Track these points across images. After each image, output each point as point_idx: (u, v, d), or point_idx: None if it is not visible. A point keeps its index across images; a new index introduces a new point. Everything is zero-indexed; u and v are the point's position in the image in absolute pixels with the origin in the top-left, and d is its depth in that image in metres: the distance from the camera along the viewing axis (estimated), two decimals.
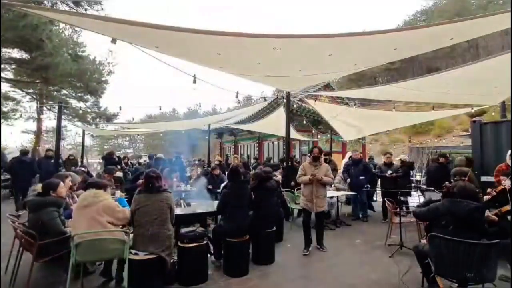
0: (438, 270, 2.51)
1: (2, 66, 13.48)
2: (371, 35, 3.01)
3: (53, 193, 3.14)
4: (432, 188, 5.60)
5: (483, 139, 6.15)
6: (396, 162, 6.74)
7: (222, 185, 4.76)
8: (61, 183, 3.29)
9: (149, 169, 4.19)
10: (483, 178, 5.38)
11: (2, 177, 9.84)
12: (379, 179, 6.84)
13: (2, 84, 15.26)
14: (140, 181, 5.12)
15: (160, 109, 10.28)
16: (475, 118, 7.47)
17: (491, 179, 5.44)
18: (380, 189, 6.85)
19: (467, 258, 2.34)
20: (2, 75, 14.01)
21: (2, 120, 18.98)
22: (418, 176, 12.04)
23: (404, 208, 5.13)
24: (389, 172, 6.26)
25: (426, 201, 3.29)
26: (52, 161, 7.46)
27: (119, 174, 6.80)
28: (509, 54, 3.67)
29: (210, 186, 6.01)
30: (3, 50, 12.44)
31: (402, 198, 5.69)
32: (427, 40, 3.40)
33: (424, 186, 5.87)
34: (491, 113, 8.86)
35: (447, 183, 4.17)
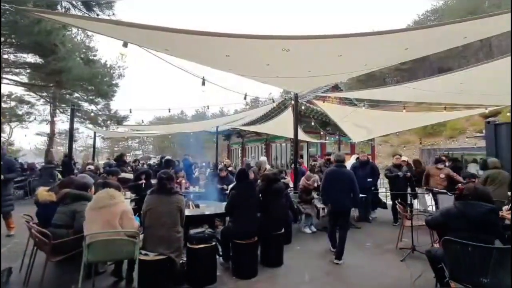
0: (453, 275, 2.45)
1: (17, 70, 13.92)
2: (382, 35, 2.97)
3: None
4: (445, 191, 5.48)
5: (498, 140, 6.00)
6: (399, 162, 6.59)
7: (230, 186, 4.79)
8: (92, 186, 3.60)
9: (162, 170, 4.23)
10: None
11: (18, 178, 10.19)
12: (388, 181, 6.71)
13: (18, 88, 15.77)
14: (142, 181, 5.23)
15: (169, 111, 10.35)
16: (489, 119, 7.29)
17: None
18: (390, 191, 6.73)
19: (483, 262, 2.27)
20: (18, 79, 14.47)
21: (17, 123, 19.61)
22: None
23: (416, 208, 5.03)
24: (400, 173, 6.15)
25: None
26: (52, 165, 7.64)
27: (129, 175, 6.90)
28: None
29: (224, 186, 6.11)
30: (19, 55, 12.84)
31: (416, 203, 5.56)
32: (440, 39, 3.33)
33: (436, 189, 5.75)
34: (506, 114, 8.63)
35: (459, 185, 4.08)
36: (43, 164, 10.78)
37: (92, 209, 2.90)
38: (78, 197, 3.28)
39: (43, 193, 3.54)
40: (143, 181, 5.23)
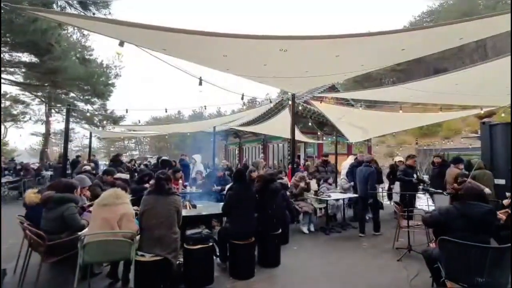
0: (449, 274, 2.46)
1: (12, 69, 13.78)
2: (379, 36, 2.98)
3: (75, 192, 3.35)
4: (441, 191, 5.51)
5: (493, 141, 6.02)
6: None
7: (227, 186, 4.78)
8: (79, 186, 3.51)
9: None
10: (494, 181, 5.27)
11: (12, 179, 10.10)
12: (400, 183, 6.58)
13: (13, 87, 15.62)
14: (148, 184, 5.18)
15: (166, 111, 10.34)
16: (484, 119, 7.35)
17: (502, 181, 5.33)
18: (392, 192, 6.75)
19: (479, 262, 2.28)
20: (12, 78, 14.32)
21: (12, 123, 19.42)
22: (425, 178, 11.87)
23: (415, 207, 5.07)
24: (414, 179, 6.13)
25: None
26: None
27: (125, 175, 6.83)
28: None
29: (219, 187, 6.12)
30: (14, 54, 12.71)
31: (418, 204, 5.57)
32: (436, 40, 3.36)
33: (432, 189, 5.77)
34: (501, 114, 8.69)
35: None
36: (55, 164, 10.90)
37: (96, 205, 2.92)
38: (61, 200, 3.12)
39: (30, 195, 3.48)
40: (147, 184, 5.17)
